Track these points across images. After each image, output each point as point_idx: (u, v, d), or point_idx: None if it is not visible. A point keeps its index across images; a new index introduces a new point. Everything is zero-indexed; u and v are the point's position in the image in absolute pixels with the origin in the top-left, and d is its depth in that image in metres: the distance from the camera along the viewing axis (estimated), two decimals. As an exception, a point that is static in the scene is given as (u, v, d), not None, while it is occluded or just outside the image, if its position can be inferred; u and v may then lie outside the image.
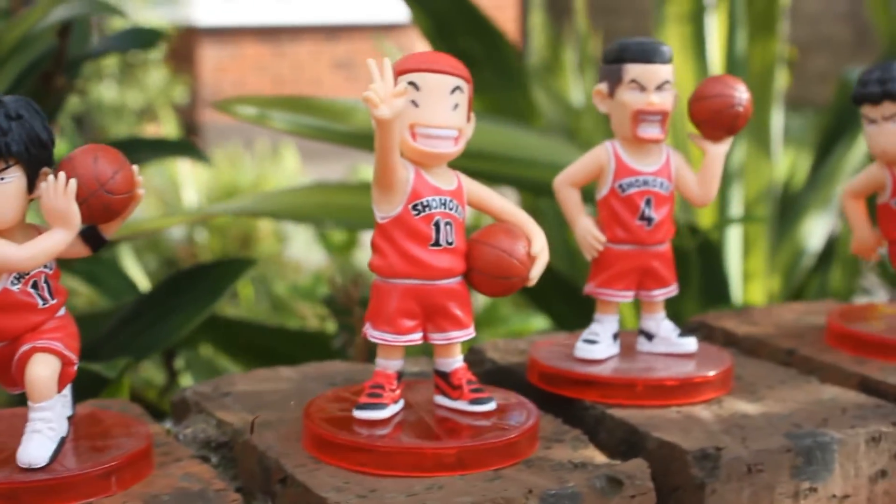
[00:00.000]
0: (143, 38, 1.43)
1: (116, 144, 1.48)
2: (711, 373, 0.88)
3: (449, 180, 0.79)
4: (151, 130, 4.33)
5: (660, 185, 0.89)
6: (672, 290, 0.91)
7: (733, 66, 1.97)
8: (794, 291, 2.06)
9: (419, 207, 0.77)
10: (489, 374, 0.95)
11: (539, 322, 2.04)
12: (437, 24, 1.74)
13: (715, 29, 1.97)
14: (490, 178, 1.49)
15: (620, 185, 0.88)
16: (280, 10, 5.23)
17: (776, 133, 2.03)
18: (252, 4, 5.23)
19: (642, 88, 0.87)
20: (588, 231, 0.89)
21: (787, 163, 2.70)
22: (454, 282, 0.78)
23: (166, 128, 3.99)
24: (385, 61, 0.73)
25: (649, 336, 0.92)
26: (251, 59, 5.11)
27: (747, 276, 2.04)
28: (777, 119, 2.19)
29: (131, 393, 1.37)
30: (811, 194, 2.17)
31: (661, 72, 0.87)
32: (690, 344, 0.91)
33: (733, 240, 1.99)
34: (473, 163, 1.42)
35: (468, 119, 0.79)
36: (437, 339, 0.79)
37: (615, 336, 0.91)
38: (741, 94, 0.88)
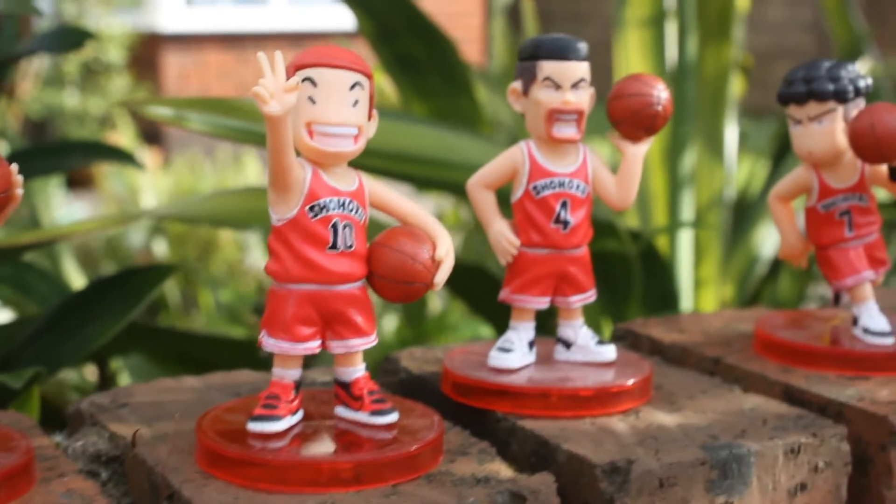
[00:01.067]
0: (71, 38, 1.38)
1: (46, 148, 1.43)
2: (629, 382, 0.84)
3: (349, 181, 0.75)
4: (113, 138, 4.28)
5: (576, 187, 0.85)
6: (590, 295, 0.87)
7: (684, 71, 1.94)
8: (748, 299, 2.03)
9: (316, 209, 0.73)
10: (403, 383, 0.91)
11: (488, 330, 2.00)
12: (380, 28, 1.70)
13: (674, 34, 1.94)
14: (430, 183, 1.45)
15: (535, 187, 0.84)
16: (244, 17, 5.18)
17: (730, 140, 2.00)
18: (216, 11, 5.17)
19: (557, 86, 0.83)
20: (502, 235, 0.85)
21: (744, 170, 2.67)
22: (354, 287, 0.74)
23: (124, 135, 3.94)
24: (277, 54, 0.69)
25: (567, 344, 0.88)
26: (215, 66, 5.05)
27: (699, 283, 2.01)
28: (731, 126, 2.16)
29: (58, 404, 1.32)
30: (765, 202, 2.14)
31: (576, 69, 0.83)
32: (609, 352, 0.87)
33: (685, 247, 1.95)
34: (413, 168, 1.38)
35: (370, 116, 0.75)
36: (335, 347, 0.75)
37: (531, 344, 0.87)
38: (660, 93, 0.84)
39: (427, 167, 1.43)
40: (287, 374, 0.75)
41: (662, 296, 1.65)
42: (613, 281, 1.67)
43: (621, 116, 0.85)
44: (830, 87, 0.90)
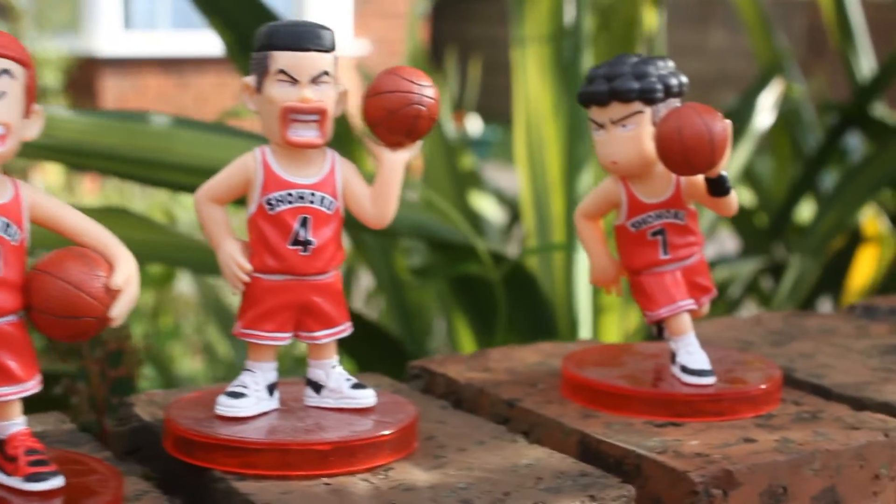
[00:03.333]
0: None
1: None
2: (384, 432, 0.68)
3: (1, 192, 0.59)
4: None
5: (320, 200, 0.69)
6: (343, 329, 0.72)
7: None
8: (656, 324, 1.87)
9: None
10: (135, 433, 0.75)
11: (347, 366, 1.84)
12: (239, 37, 1.55)
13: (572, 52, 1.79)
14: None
15: (269, 201, 0.69)
16: (183, 42, 5.02)
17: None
18: (154, 36, 5.01)
19: (293, 81, 0.68)
20: (231, 258, 0.69)
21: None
22: (2, 322, 0.58)
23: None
24: None
25: (317, 387, 0.72)
26: (154, 90, 4.89)
27: (599, 310, 1.85)
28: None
29: None
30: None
31: (317, 61, 0.68)
32: (366, 397, 0.72)
33: (583, 270, 1.79)
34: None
35: (28, 113, 0.59)
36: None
37: (271, 388, 0.71)
38: (423, 90, 0.69)
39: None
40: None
41: (536, 323, 1.50)
42: (478, 308, 1.51)
43: (377, 117, 0.70)
44: (635, 85, 0.75)
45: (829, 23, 2.37)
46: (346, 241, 2.09)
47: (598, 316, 1.81)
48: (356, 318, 1.42)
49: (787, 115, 2.34)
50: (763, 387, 0.78)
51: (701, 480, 0.67)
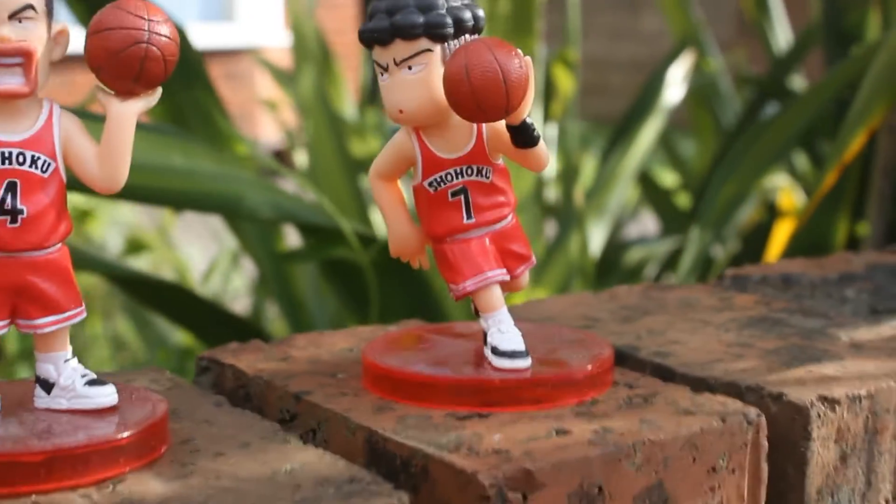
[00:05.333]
0: None
1: None
2: (119, 436, 0.56)
3: None
4: None
5: (31, 161, 0.57)
6: (73, 315, 0.59)
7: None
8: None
9: None
10: None
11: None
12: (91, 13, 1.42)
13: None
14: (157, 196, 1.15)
15: (-33, 164, 0.56)
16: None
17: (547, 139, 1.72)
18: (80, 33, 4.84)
19: (-14, 17, 0.55)
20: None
21: (588, 172, 2.41)
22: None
23: None
24: None
25: (47, 386, 0.60)
26: (84, 89, 4.72)
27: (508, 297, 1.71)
28: (544, 123, 1.90)
29: None
30: (587, 203, 1.88)
31: (15, -6, 0.55)
32: (104, 395, 0.59)
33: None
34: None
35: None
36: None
37: (-13, 387, 0.58)
38: (153, 26, 0.57)
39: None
40: None
41: (417, 307, 1.38)
42: (353, 294, 1.39)
43: (98, 60, 0.57)
44: (420, 19, 0.63)
45: (745, -5, 2.27)
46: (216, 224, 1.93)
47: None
48: (217, 311, 1.31)
49: (705, 89, 2.24)
50: (588, 368, 0.66)
51: (493, 482, 0.55)
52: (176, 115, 1.46)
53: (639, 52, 5.38)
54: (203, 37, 4.87)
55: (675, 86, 2.01)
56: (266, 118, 4.58)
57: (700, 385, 0.69)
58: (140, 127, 1.14)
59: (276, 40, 4.78)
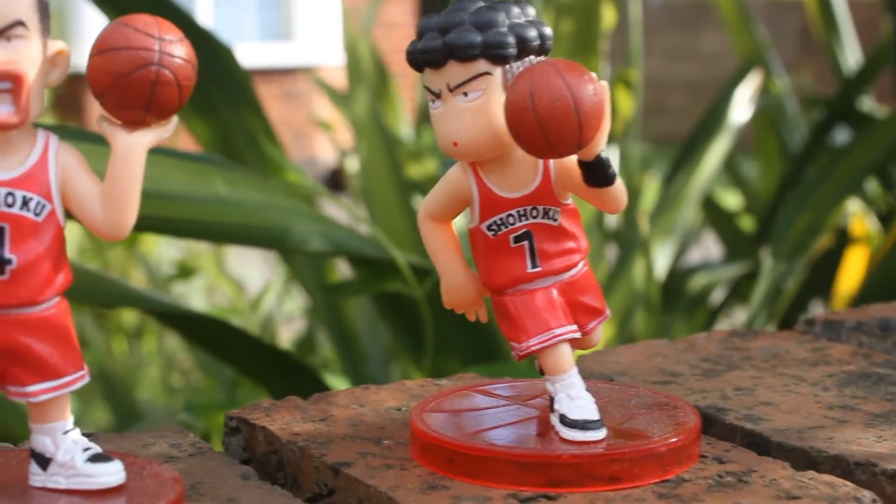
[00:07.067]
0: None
1: None
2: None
3: None
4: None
5: (22, 202, 0.48)
6: (72, 381, 0.50)
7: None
8: (631, 339, 1.65)
9: None
10: None
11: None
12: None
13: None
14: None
15: (-52, 206, 0.47)
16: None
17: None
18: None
19: (-30, 36, 0.46)
20: None
21: (650, 197, 2.30)
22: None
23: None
24: None
25: (43, 461, 0.50)
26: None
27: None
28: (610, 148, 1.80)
29: None
30: (652, 227, 1.77)
31: (2, 6, 0.46)
32: (109, 473, 0.50)
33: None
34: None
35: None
36: None
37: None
38: (166, 46, 0.47)
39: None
40: None
41: (477, 345, 1.28)
42: (408, 329, 1.29)
43: (102, 85, 0.48)
44: (476, 38, 0.53)
45: (813, 15, 2.15)
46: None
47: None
48: (259, 345, 1.22)
49: (771, 111, 2.12)
50: (672, 441, 0.55)
51: (563, 588, 0.45)
52: (222, 138, 1.38)
53: (698, 73, 5.24)
54: (261, 56, 4.83)
55: (742, 106, 1.90)
56: (323, 137, 4.51)
57: (801, 459, 0.58)
58: (180, 155, 1.06)
59: (334, 59, 4.71)
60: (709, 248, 2.67)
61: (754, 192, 2.25)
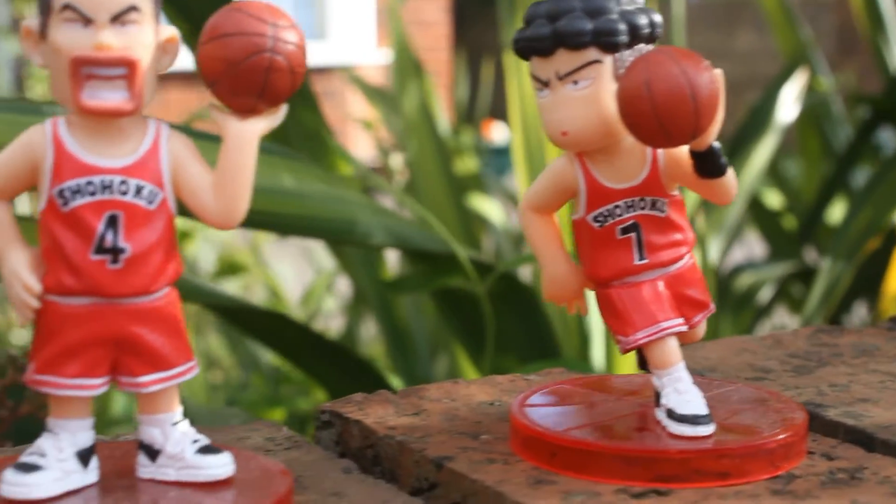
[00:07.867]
0: None
1: None
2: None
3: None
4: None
5: (135, 191, 0.47)
6: (182, 372, 0.49)
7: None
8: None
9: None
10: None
11: (320, 397, 1.61)
12: (195, 28, 1.33)
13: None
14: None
15: (62, 193, 0.46)
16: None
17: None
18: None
19: (86, 21, 0.45)
20: (15, 275, 0.46)
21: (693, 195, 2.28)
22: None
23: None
24: None
25: (151, 452, 0.49)
26: (175, 105, 4.69)
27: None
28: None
29: None
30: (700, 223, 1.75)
31: (120, -8, 0.45)
32: (218, 465, 0.49)
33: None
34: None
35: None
36: None
37: (84, 455, 0.48)
38: (279, 32, 0.46)
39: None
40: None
41: (536, 342, 1.26)
42: (468, 325, 1.28)
43: (215, 71, 0.47)
44: (587, 25, 0.52)
45: (858, 13, 2.13)
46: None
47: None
48: (319, 340, 1.21)
49: (816, 110, 2.10)
50: (782, 437, 0.54)
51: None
52: (276, 131, 1.37)
53: (735, 72, 5.21)
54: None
55: (788, 105, 1.88)
56: (358, 136, 4.51)
57: (909, 456, 0.57)
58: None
59: (369, 58, 4.70)
60: (751, 246, 2.65)
61: (795, 191, 2.23)
